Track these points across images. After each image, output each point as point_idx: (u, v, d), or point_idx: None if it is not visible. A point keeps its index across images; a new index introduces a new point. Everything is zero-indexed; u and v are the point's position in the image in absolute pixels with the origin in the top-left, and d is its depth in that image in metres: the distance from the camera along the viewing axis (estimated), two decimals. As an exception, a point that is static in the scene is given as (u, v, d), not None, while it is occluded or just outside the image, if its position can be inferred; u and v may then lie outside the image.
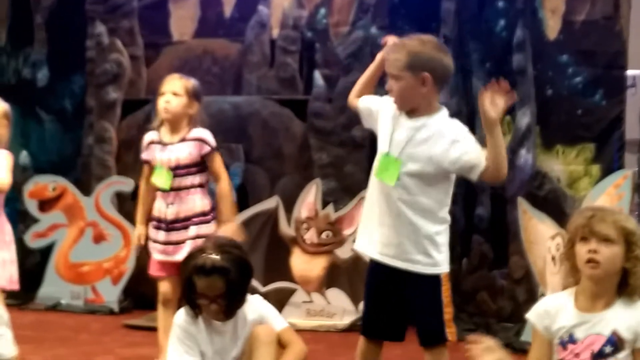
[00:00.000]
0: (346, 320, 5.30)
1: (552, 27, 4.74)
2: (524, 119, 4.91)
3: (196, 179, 4.18)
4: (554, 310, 2.80)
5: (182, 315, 3.28)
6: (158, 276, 4.27)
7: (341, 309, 5.35)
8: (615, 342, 2.70)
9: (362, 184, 5.47)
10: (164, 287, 4.24)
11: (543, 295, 4.35)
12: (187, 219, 4.16)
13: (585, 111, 4.61)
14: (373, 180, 3.35)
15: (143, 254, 4.77)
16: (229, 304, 3.18)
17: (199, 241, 4.10)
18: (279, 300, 5.14)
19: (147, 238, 4.28)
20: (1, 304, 3.91)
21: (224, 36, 5.97)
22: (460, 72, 5.25)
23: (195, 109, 4.20)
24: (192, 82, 4.22)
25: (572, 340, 2.75)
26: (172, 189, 4.14)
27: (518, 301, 4.89)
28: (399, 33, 5.47)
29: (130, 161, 5.82)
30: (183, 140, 4.16)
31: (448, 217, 3.32)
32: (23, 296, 5.41)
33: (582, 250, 2.72)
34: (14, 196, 5.45)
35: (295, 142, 5.70)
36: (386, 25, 5.54)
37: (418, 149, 3.23)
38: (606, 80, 4.54)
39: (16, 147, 4.36)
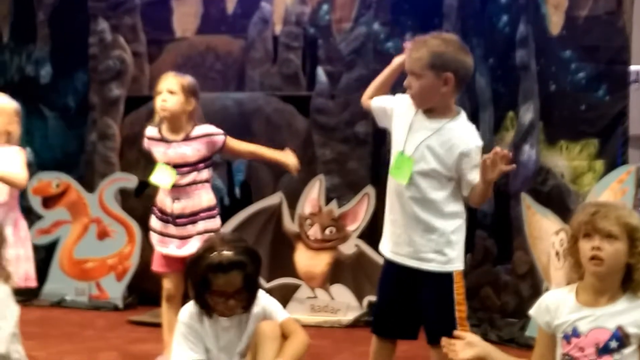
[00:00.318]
0: (350, 316, 5.31)
1: (555, 23, 4.73)
2: (528, 114, 4.90)
3: (202, 175, 4.19)
4: (554, 305, 2.81)
5: (187, 312, 3.29)
6: (161, 272, 4.28)
7: (345, 304, 5.36)
8: (621, 338, 2.71)
9: (366, 180, 5.52)
10: (168, 283, 4.25)
11: (547, 290, 4.35)
12: (194, 214, 4.17)
13: (588, 107, 4.61)
14: (390, 180, 3.35)
15: (147, 250, 4.78)
16: (248, 297, 3.20)
17: (206, 236, 4.13)
18: (283, 296, 5.15)
19: (149, 230, 4.30)
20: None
21: (227, 32, 5.97)
22: (463, 67, 5.26)
23: (193, 106, 4.19)
24: (187, 79, 4.21)
25: (575, 334, 2.75)
26: (178, 186, 4.15)
27: (522, 296, 4.90)
28: (401, 29, 5.49)
29: (134, 158, 5.84)
30: (187, 138, 4.16)
31: (463, 212, 3.32)
32: (28, 292, 5.42)
33: (585, 247, 2.72)
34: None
35: (299, 138, 5.70)
36: (389, 21, 5.55)
37: (433, 151, 3.23)
38: (609, 76, 4.53)
39: (20, 144, 4.40)
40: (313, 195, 5.49)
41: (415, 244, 3.26)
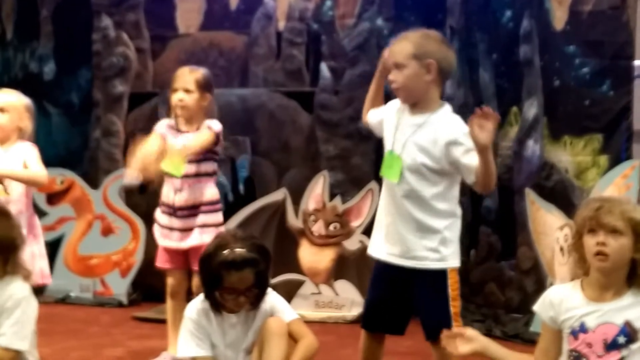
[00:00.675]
0: (354, 311, 5.31)
1: (559, 18, 4.72)
2: (531, 110, 4.90)
3: (207, 167, 4.20)
4: (558, 300, 2.80)
5: (194, 308, 3.29)
6: (166, 268, 4.28)
7: (349, 300, 5.37)
8: (629, 333, 2.70)
9: (369, 176, 5.52)
10: (172, 280, 4.26)
11: (552, 285, 4.35)
12: (196, 206, 4.18)
13: (592, 102, 4.60)
14: (384, 182, 3.38)
15: (151, 246, 4.78)
16: (258, 294, 3.20)
17: (206, 229, 4.13)
18: (288, 292, 5.15)
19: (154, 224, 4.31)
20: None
21: (230, 29, 5.96)
22: (467, 63, 5.25)
23: (208, 100, 4.23)
24: (201, 73, 4.24)
25: (583, 329, 2.75)
26: (182, 176, 4.16)
27: (526, 292, 4.89)
28: (405, 24, 5.49)
29: (138, 154, 5.84)
30: (198, 130, 4.20)
31: (457, 210, 3.32)
32: (32, 289, 5.42)
33: (590, 243, 2.72)
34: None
35: (302, 134, 5.70)
36: (392, 16, 5.54)
37: (419, 146, 3.25)
38: (613, 71, 4.52)
39: (34, 140, 4.41)
40: (317, 191, 5.50)
41: (408, 242, 3.26)
